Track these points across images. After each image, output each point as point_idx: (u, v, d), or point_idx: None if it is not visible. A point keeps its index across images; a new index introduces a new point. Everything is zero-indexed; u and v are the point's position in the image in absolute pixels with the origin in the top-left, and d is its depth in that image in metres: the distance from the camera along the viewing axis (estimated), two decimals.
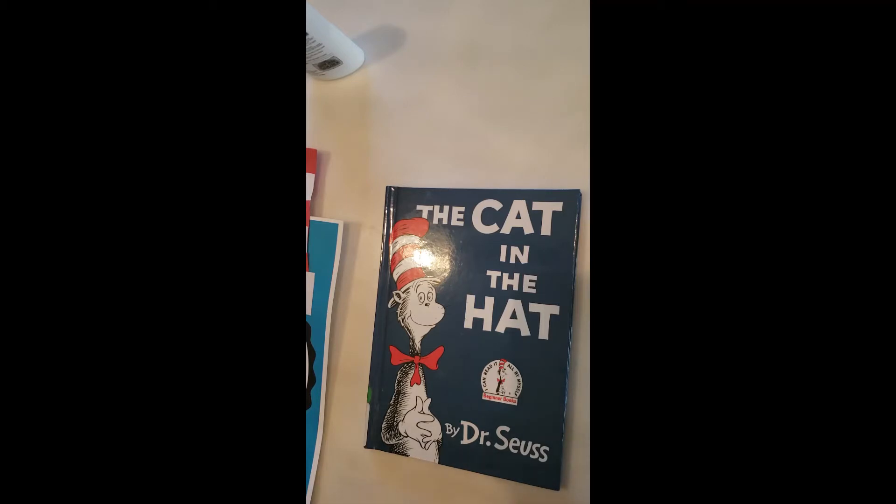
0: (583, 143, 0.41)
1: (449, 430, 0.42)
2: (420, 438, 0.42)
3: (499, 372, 0.41)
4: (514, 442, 0.40)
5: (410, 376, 0.43)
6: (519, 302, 0.41)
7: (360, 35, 0.50)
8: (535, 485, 0.39)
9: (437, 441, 0.42)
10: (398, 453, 0.43)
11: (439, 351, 0.43)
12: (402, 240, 0.45)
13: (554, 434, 0.39)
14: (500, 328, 0.41)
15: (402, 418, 0.43)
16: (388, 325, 0.45)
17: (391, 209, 0.46)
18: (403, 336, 0.44)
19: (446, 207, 0.44)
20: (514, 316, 0.41)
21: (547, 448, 0.39)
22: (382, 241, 0.46)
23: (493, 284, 0.42)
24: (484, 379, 0.41)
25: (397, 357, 0.44)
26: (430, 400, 0.43)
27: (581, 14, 0.42)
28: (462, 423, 0.41)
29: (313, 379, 0.47)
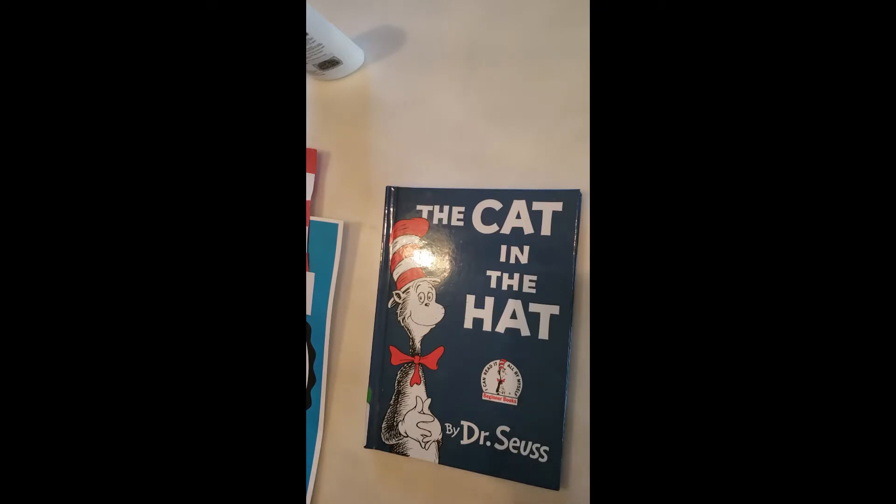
0: (583, 143, 0.41)
1: (449, 430, 0.42)
2: (420, 438, 0.42)
3: (499, 372, 0.41)
4: (514, 442, 0.40)
5: (410, 376, 0.43)
6: (519, 302, 0.41)
7: (360, 35, 0.50)
8: (535, 485, 0.39)
9: (437, 441, 0.42)
10: (398, 453, 0.43)
11: (439, 351, 0.43)
12: (402, 240, 0.45)
13: (554, 434, 0.39)
14: (500, 328, 0.41)
15: (402, 418, 0.43)
16: (388, 325, 0.45)
17: (391, 209, 0.46)
18: (403, 336, 0.44)
19: (446, 207, 0.44)
20: (514, 316, 0.41)
21: (547, 448, 0.39)
22: (382, 241, 0.46)
23: (493, 284, 0.42)
24: (484, 379, 0.41)
25: (397, 357, 0.44)
26: (430, 400, 0.43)
27: (581, 15, 0.42)
28: (462, 423, 0.41)
29: (313, 379, 0.47)
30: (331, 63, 0.46)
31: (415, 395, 0.43)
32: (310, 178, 0.49)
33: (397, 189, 0.46)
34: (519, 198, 0.42)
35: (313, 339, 0.47)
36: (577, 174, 0.41)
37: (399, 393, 0.44)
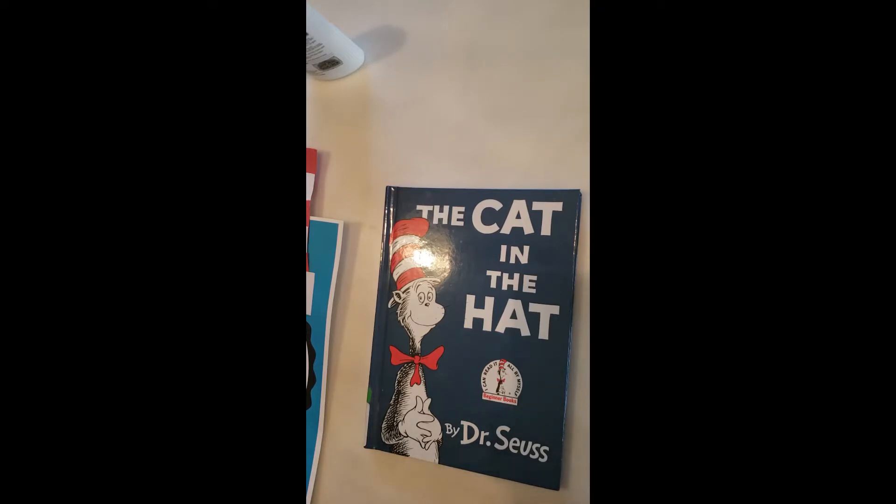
0: (583, 143, 0.41)
1: (449, 430, 0.42)
2: (420, 438, 0.42)
3: (499, 372, 0.41)
4: (514, 442, 0.40)
5: (410, 376, 0.43)
6: (519, 302, 0.41)
7: (360, 35, 0.50)
8: (535, 485, 0.39)
9: (437, 441, 0.42)
10: (398, 453, 0.43)
11: (439, 351, 0.43)
12: (402, 240, 0.45)
13: (554, 434, 0.39)
14: (500, 328, 0.41)
15: (402, 418, 0.43)
16: (388, 325, 0.45)
17: (391, 209, 0.46)
18: (403, 336, 0.44)
19: (446, 207, 0.44)
20: (514, 316, 0.41)
21: (547, 448, 0.39)
22: (382, 241, 0.46)
23: (493, 284, 0.42)
24: (484, 379, 0.41)
25: (397, 357, 0.44)
26: (430, 400, 0.43)
27: (581, 15, 0.42)
28: (462, 423, 0.41)
29: (313, 379, 0.47)
30: (331, 63, 0.46)
31: (415, 395, 0.43)
32: (310, 178, 0.49)
33: (397, 189, 0.46)
34: (519, 198, 0.42)
35: (313, 339, 0.47)
36: (577, 174, 0.41)
37: (399, 393, 0.44)
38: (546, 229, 0.41)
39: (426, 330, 0.43)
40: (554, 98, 0.42)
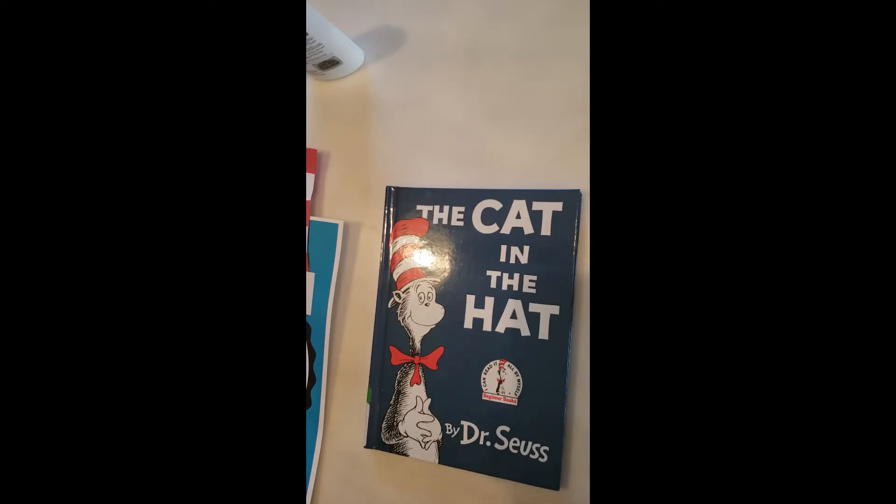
0: (583, 143, 0.41)
1: (449, 430, 0.42)
2: (420, 438, 0.42)
3: (499, 372, 0.41)
4: (514, 442, 0.40)
5: (410, 376, 0.43)
6: (519, 302, 0.41)
7: (360, 35, 0.50)
8: (535, 485, 0.39)
9: (437, 441, 0.42)
10: (398, 453, 0.43)
11: (439, 351, 0.43)
12: (402, 240, 0.45)
13: (554, 434, 0.39)
14: (500, 328, 0.41)
15: (402, 418, 0.43)
16: (388, 325, 0.45)
17: (391, 209, 0.46)
18: (403, 336, 0.44)
19: (446, 207, 0.44)
20: (514, 316, 0.41)
21: (547, 448, 0.39)
22: (382, 241, 0.46)
23: (493, 284, 0.42)
24: (484, 379, 0.41)
25: (397, 357, 0.44)
26: (430, 400, 0.43)
27: (581, 15, 0.42)
28: (462, 423, 0.41)
29: (313, 379, 0.47)
30: (331, 63, 0.46)
31: (415, 395, 0.43)
32: (310, 178, 0.49)
33: (397, 189, 0.46)
34: (519, 198, 0.42)
35: (313, 339, 0.47)
36: (577, 174, 0.41)
37: (399, 393, 0.44)
38: (546, 229, 0.41)
39: (426, 330, 0.43)
40: (554, 98, 0.42)
